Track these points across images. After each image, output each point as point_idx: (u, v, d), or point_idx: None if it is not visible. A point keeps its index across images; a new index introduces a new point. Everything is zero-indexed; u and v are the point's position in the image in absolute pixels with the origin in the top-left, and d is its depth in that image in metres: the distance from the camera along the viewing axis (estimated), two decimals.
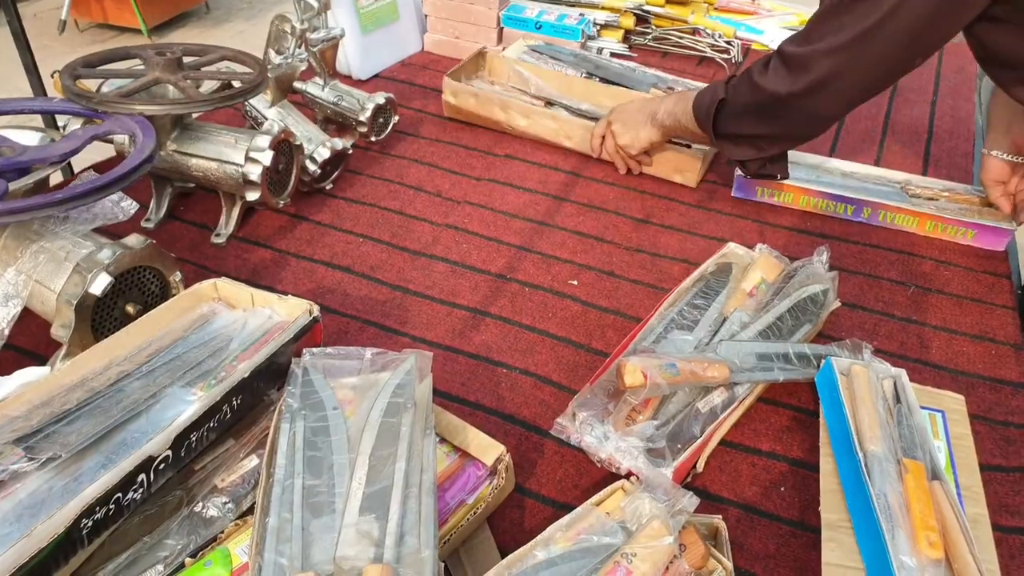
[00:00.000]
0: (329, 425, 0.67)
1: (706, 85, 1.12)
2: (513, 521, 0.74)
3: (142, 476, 0.61)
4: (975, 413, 0.83)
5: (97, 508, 0.58)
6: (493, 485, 0.71)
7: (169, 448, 0.63)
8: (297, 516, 0.60)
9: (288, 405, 0.68)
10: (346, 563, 0.57)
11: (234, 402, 0.70)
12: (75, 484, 0.62)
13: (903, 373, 0.81)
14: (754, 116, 1.03)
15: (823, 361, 0.83)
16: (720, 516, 0.69)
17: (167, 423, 0.66)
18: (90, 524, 0.58)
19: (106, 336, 0.81)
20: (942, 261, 1.11)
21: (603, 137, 1.25)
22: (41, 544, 0.54)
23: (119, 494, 0.60)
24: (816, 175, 1.20)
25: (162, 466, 0.64)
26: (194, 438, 0.66)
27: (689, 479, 0.78)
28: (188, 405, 0.70)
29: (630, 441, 0.74)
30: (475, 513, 0.69)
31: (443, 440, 0.74)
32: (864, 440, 0.71)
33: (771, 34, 1.80)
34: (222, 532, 0.66)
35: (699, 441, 0.77)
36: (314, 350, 0.74)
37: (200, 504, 0.68)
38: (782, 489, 0.78)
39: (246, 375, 0.70)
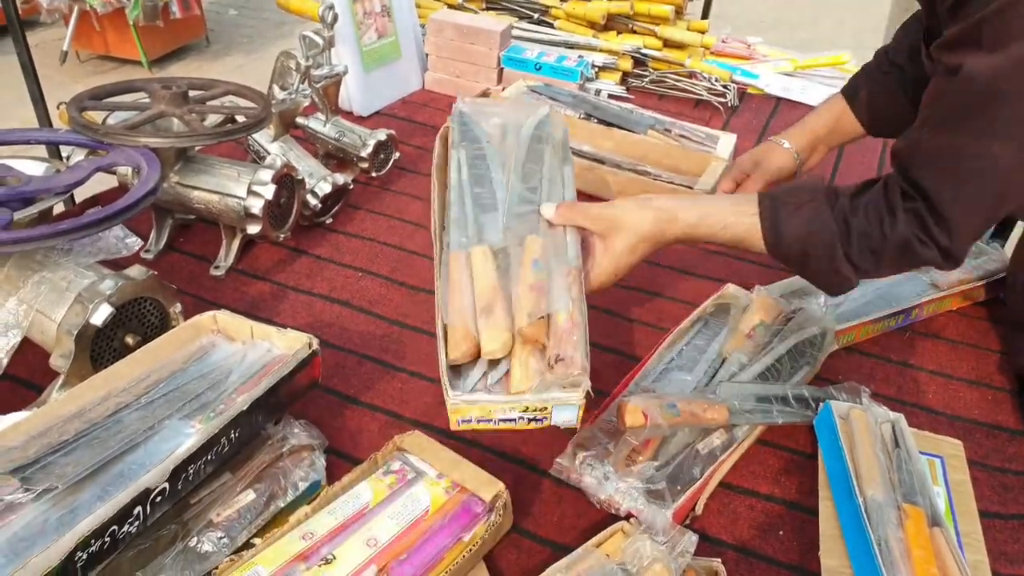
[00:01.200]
0: (485, 152, 0.86)
1: (776, 227, 0.80)
2: (510, 561, 0.73)
3: (138, 509, 0.61)
4: (973, 459, 0.83)
5: (92, 541, 0.57)
6: (490, 522, 0.70)
7: (166, 481, 0.63)
8: (470, 210, 0.80)
9: (453, 140, 0.89)
10: (511, 234, 0.78)
11: (232, 435, 0.70)
12: (71, 516, 0.61)
13: (901, 418, 0.81)
14: (894, 268, 0.82)
15: (821, 404, 0.84)
16: (719, 559, 0.68)
17: (165, 455, 0.66)
18: (85, 557, 0.57)
19: (104, 367, 0.80)
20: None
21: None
22: None
23: (115, 526, 0.59)
24: None
25: (159, 499, 0.63)
26: (191, 470, 0.66)
27: (688, 521, 0.77)
28: (186, 437, 0.69)
29: (630, 482, 0.74)
30: (471, 551, 0.68)
31: (440, 475, 0.74)
32: (864, 485, 0.71)
33: (766, 79, 1.83)
34: (216, 567, 0.65)
35: (698, 483, 0.77)
36: (467, 98, 0.94)
37: (195, 539, 0.67)
38: (780, 532, 0.78)
39: (245, 408, 0.70)
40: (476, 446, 0.85)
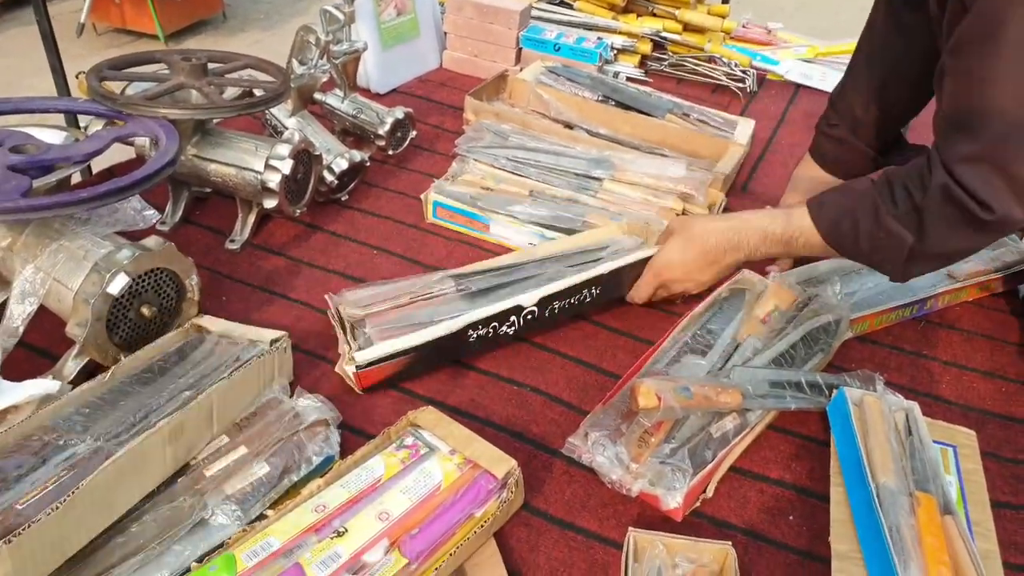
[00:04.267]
0: None
1: (823, 208, 0.88)
2: (520, 539, 0.73)
3: (513, 317, 0.90)
4: (985, 450, 0.83)
5: (480, 327, 0.88)
6: (502, 499, 0.70)
7: (535, 305, 0.90)
8: None
9: None
10: None
11: (592, 290, 0.94)
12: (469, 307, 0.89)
13: (915, 406, 0.81)
14: (969, 239, 0.82)
15: (835, 391, 0.83)
16: (730, 542, 0.68)
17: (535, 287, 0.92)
18: (473, 336, 0.89)
19: (120, 336, 0.81)
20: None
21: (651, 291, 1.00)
22: (439, 334, 0.85)
23: (495, 323, 0.89)
24: None
25: (528, 317, 0.91)
26: (556, 305, 0.92)
27: (698, 504, 0.77)
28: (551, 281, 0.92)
29: (642, 463, 0.74)
30: (482, 527, 0.68)
31: (453, 451, 0.74)
32: (876, 472, 0.71)
33: (786, 65, 1.81)
34: (229, 538, 0.66)
35: (710, 466, 0.77)
36: None
37: (210, 511, 0.68)
38: (790, 517, 0.78)
39: (606, 272, 0.94)
40: (488, 424, 0.85)
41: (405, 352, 0.85)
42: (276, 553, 0.63)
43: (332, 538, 0.64)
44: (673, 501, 0.73)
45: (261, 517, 0.69)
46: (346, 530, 0.65)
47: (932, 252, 0.83)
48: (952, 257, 0.88)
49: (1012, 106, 0.73)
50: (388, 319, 0.89)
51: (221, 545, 0.65)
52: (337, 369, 0.87)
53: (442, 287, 0.93)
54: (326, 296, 0.92)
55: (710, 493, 0.78)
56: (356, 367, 0.83)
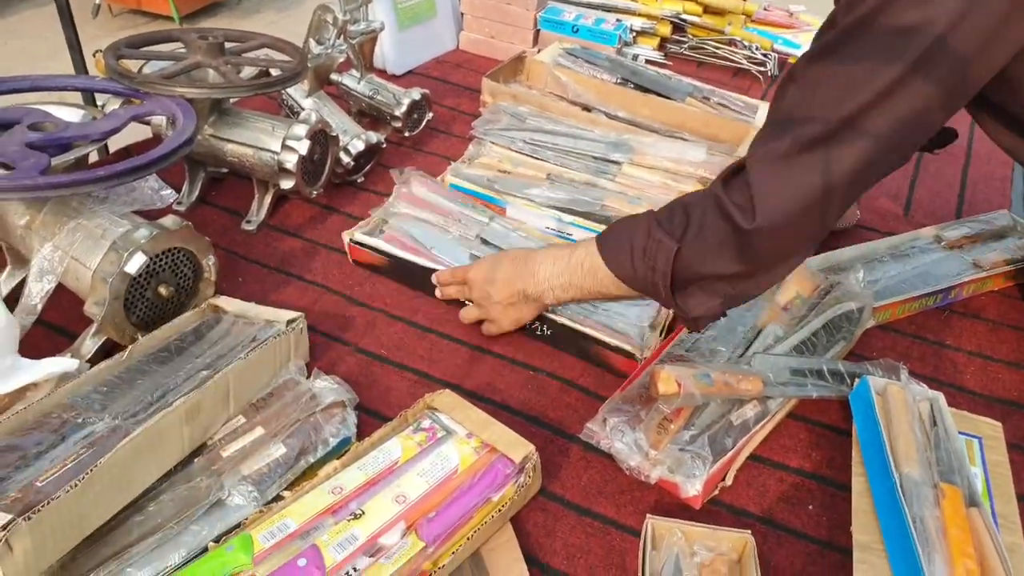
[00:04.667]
0: None
1: (606, 233, 0.82)
2: (537, 524, 0.73)
3: None
4: (1012, 441, 0.81)
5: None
6: (519, 483, 0.70)
7: None
8: None
9: None
10: None
11: None
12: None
13: (940, 396, 0.79)
14: (728, 257, 0.74)
15: (857, 379, 0.82)
16: (749, 531, 0.68)
17: None
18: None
19: (137, 315, 0.81)
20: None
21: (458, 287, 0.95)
22: (413, 260, 0.96)
23: None
24: None
25: None
26: None
27: (716, 492, 0.76)
28: None
29: (660, 450, 0.73)
30: (500, 511, 0.68)
31: (470, 435, 0.73)
32: (900, 462, 0.70)
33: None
34: (246, 519, 0.65)
35: (729, 454, 0.76)
36: None
37: (226, 491, 0.67)
38: (810, 507, 0.77)
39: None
40: (505, 408, 0.84)
41: (384, 254, 0.98)
42: (293, 535, 0.63)
43: (349, 520, 0.64)
44: (692, 489, 0.72)
45: (278, 498, 0.68)
46: (363, 512, 0.65)
47: (694, 268, 0.74)
48: (716, 284, 0.75)
49: (826, 112, 0.68)
50: (407, 223, 1.02)
51: (238, 526, 0.65)
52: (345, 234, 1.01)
53: (468, 232, 1.02)
54: (393, 172, 1.08)
55: (729, 481, 0.77)
56: (351, 240, 0.99)
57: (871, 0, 0.66)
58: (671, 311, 0.91)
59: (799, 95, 0.71)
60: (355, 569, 0.60)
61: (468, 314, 0.93)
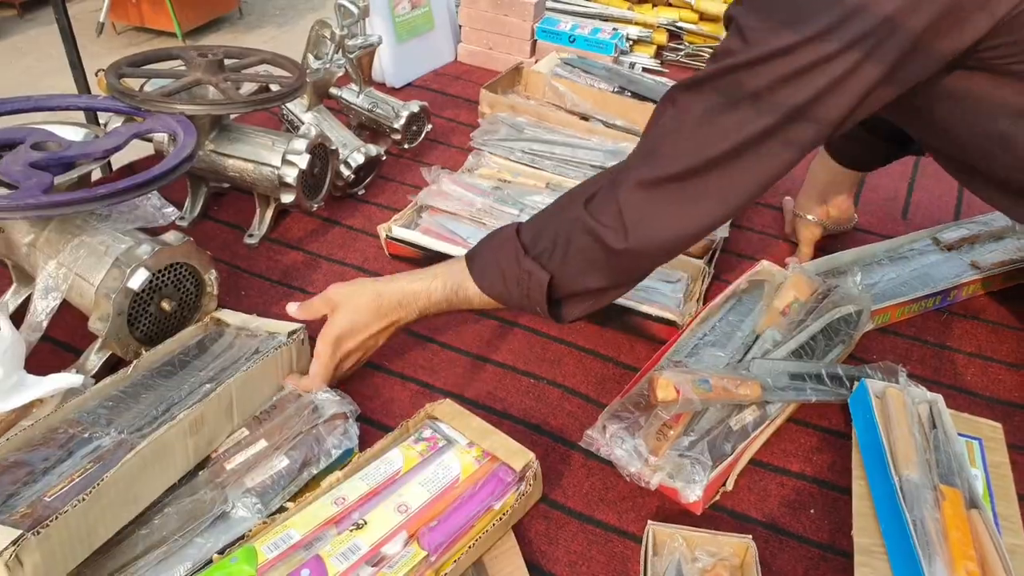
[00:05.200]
0: None
1: (474, 257, 0.83)
2: (539, 531, 0.73)
3: None
4: (1012, 442, 0.82)
5: None
6: (520, 492, 0.70)
7: None
8: None
9: None
10: None
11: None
12: None
13: (939, 398, 0.80)
14: (598, 275, 0.78)
15: (856, 383, 0.82)
16: (750, 536, 0.68)
17: None
18: None
19: (140, 331, 0.82)
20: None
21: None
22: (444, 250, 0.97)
23: None
24: None
25: None
26: None
27: (717, 497, 0.77)
28: None
29: (660, 456, 0.74)
30: (501, 519, 0.68)
31: (471, 444, 0.74)
32: (899, 465, 0.70)
33: None
34: (250, 531, 0.66)
35: (729, 459, 0.76)
36: None
37: (231, 504, 0.68)
38: (811, 511, 0.77)
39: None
40: (506, 417, 0.85)
41: (420, 247, 1.02)
42: (296, 545, 0.63)
43: (352, 530, 0.64)
44: (692, 494, 0.72)
45: (281, 510, 0.69)
46: (365, 522, 0.65)
47: (566, 288, 0.79)
48: (587, 296, 0.80)
49: (699, 149, 0.71)
50: (441, 217, 1.07)
51: (242, 538, 0.66)
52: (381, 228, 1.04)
53: (500, 223, 1.00)
54: (423, 170, 1.13)
55: (730, 486, 0.77)
56: (387, 235, 1.03)
57: (755, 48, 0.67)
58: (702, 282, 1.01)
59: (674, 124, 0.73)
60: None
61: (319, 374, 0.82)
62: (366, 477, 0.70)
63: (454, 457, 0.72)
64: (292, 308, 0.86)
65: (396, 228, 1.03)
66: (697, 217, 0.74)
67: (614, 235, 0.74)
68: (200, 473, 0.71)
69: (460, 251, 0.98)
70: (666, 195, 0.73)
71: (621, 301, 0.91)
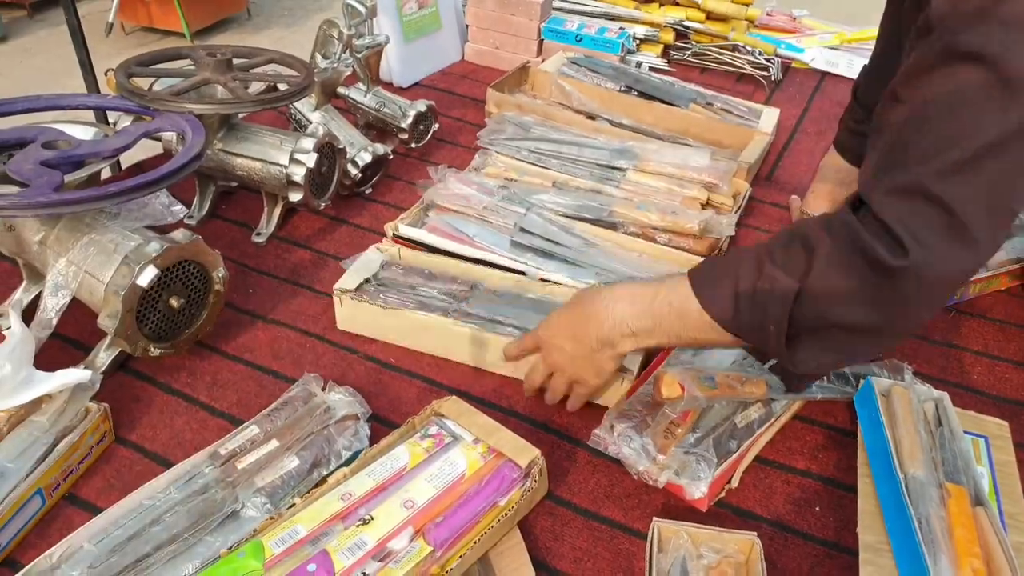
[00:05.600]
0: None
1: (703, 267, 0.72)
2: (544, 528, 0.74)
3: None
4: (1019, 440, 0.82)
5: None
6: (526, 488, 0.71)
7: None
8: None
9: None
10: None
11: None
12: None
13: (945, 396, 0.80)
14: (862, 303, 0.62)
15: (862, 380, 0.82)
16: (755, 533, 0.68)
17: None
18: None
19: (149, 327, 0.82)
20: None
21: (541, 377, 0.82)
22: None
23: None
24: None
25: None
26: None
27: (723, 494, 0.77)
28: None
29: (668, 454, 0.74)
30: (506, 515, 0.69)
31: (477, 440, 0.74)
32: (905, 462, 0.70)
33: (812, 53, 1.79)
34: (256, 527, 0.66)
35: (734, 456, 0.76)
36: None
37: (241, 503, 0.69)
38: (817, 508, 0.77)
39: None
40: (512, 414, 0.85)
41: (426, 245, 1.02)
42: (303, 540, 0.64)
43: (358, 526, 0.65)
44: (698, 491, 0.72)
45: (289, 505, 0.69)
46: (372, 518, 0.65)
47: (817, 314, 0.63)
48: (838, 337, 0.65)
49: (960, 139, 0.57)
50: (447, 216, 1.07)
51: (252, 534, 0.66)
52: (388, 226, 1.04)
53: (506, 222, 1.05)
54: (430, 169, 1.13)
55: (735, 483, 0.77)
56: (394, 234, 1.02)
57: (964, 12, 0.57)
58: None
59: (908, 122, 0.61)
60: (364, 574, 0.61)
61: (555, 390, 0.81)
62: (372, 473, 0.70)
63: (460, 453, 0.72)
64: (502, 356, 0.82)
65: (403, 227, 1.03)
66: (968, 229, 0.58)
67: (887, 249, 0.58)
68: (210, 471, 0.72)
69: (467, 249, 0.98)
70: (922, 203, 0.58)
71: None
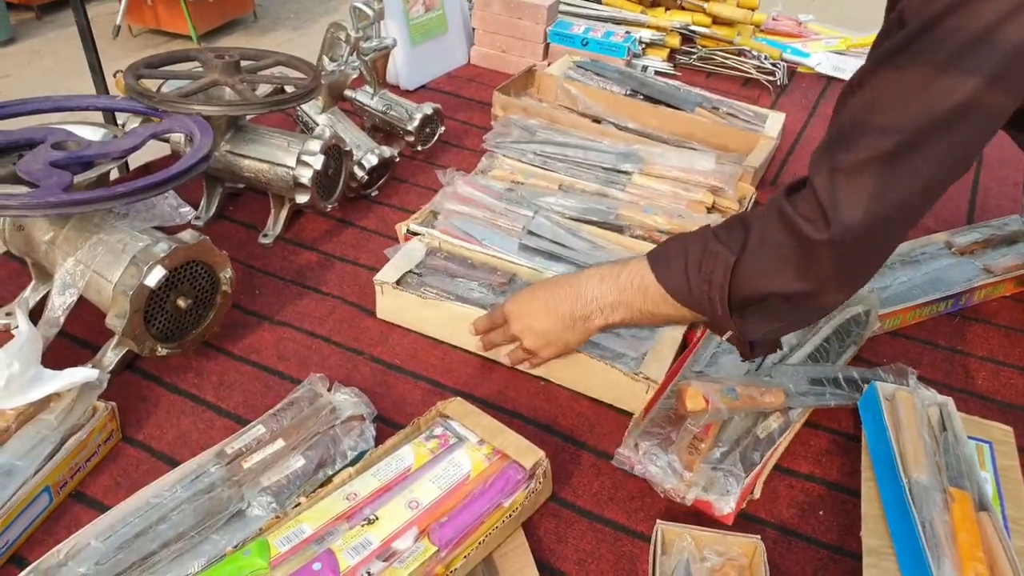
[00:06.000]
0: None
1: (658, 248, 0.78)
2: (548, 529, 0.74)
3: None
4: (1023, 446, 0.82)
5: None
6: (530, 489, 0.71)
7: None
8: None
9: None
10: None
11: None
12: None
13: (950, 401, 0.80)
14: (792, 273, 0.68)
15: (867, 386, 0.82)
16: (759, 536, 0.68)
17: None
18: None
19: (157, 327, 0.83)
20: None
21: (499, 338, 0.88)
22: None
23: None
24: None
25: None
26: None
27: (744, 506, 0.76)
28: None
29: (696, 470, 0.73)
30: (510, 516, 0.69)
31: (482, 442, 0.74)
32: (908, 467, 0.70)
33: (817, 57, 1.79)
34: (262, 526, 0.67)
35: (757, 468, 0.76)
36: None
37: (247, 503, 0.69)
38: (820, 512, 0.77)
39: None
40: (517, 416, 0.85)
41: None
42: (308, 539, 0.64)
43: (363, 525, 0.65)
44: (727, 507, 0.72)
45: (294, 504, 0.70)
46: (377, 518, 0.66)
47: (754, 283, 0.69)
48: (777, 305, 0.71)
49: (898, 122, 0.62)
50: (458, 217, 1.07)
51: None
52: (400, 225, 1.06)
53: (515, 225, 1.06)
54: (438, 172, 1.13)
55: (757, 494, 0.77)
56: (407, 230, 1.04)
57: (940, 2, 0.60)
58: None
59: (865, 102, 0.65)
60: (369, 573, 0.61)
61: (516, 355, 0.87)
62: (377, 473, 0.70)
63: (464, 455, 0.73)
64: (470, 328, 0.87)
65: (413, 226, 1.04)
66: (909, 198, 0.64)
67: (812, 226, 0.65)
68: (216, 470, 0.72)
69: (476, 250, 0.99)
70: (871, 178, 0.63)
71: None
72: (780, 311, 0.72)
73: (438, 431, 0.75)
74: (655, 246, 0.79)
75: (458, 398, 0.80)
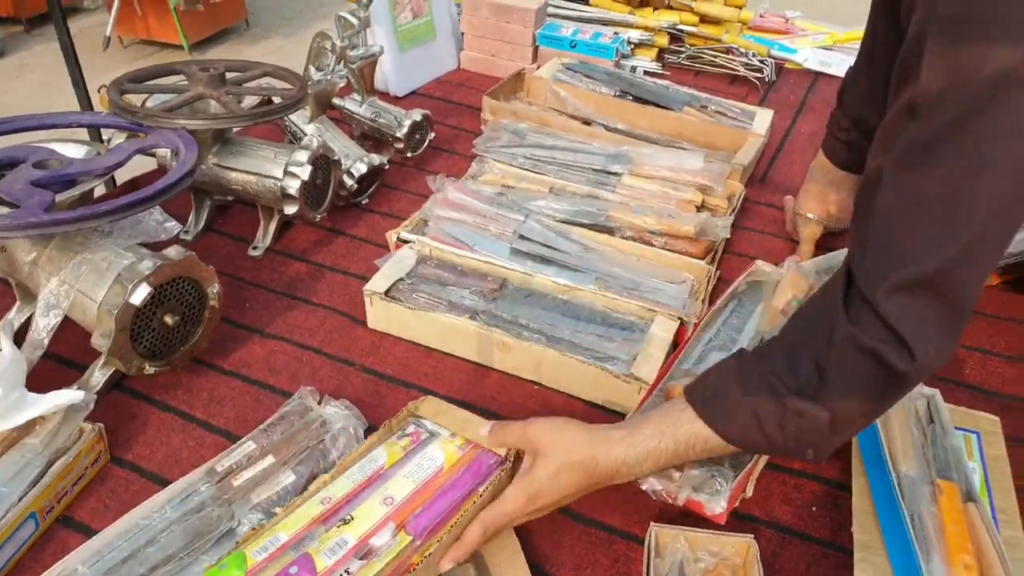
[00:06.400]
0: None
1: (711, 404, 0.69)
2: (543, 535, 0.74)
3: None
4: (1011, 435, 0.82)
5: None
6: (504, 468, 0.72)
7: None
8: None
9: None
10: None
11: None
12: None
13: (937, 393, 0.80)
14: (876, 406, 0.65)
15: None
16: (752, 535, 0.68)
17: None
18: None
19: (143, 346, 0.82)
20: None
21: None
22: None
23: None
24: None
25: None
26: None
27: (737, 505, 0.76)
28: None
29: (686, 471, 0.73)
30: (481, 497, 0.69)
31: (454, 434, 0.75)
32: (897, 461, 0.70)
33: (804, 53, 1.79)
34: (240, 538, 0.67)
35: (748, 467, 0.76)
36: None
37: (237, 521, 0.69)
38: (813, 509, 0.78)
39: None
40: (493, 416, 0.85)
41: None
42: (285, 546, 0.64)
43: (339, 526, 0.65)
44: (718, 506, 0.71)
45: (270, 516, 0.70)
46: (352, 518, 0.66)
47: (850, 427, 0.67)
48: (854, 431, 0.71)
49: (969, 227, 0.58)
50: (448, 224, 1.07)
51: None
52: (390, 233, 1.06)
53: (505, 230, 1.06)
54: (428, 179, 1.13)
55: (749, 493, 0.76)
56: (397, 238, 1.04)
57: (960, 100, 0.57)
58: (708, 281, 0.99)
59: (904, 212, 0.61)
60: (347, 572, 0.61)
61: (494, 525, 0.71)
62: (351, 476, 0.70)
63: (438, 448, 0.73)
64: (484, 430, 0.74)
65: (404, 234, 1.04)
66: (977, 294, 0.61)
67: (897, 355, 0.60)
68: (206, 488, 0.72)
69: (466, 256, 0.99)
70: (926, 298, 0.60)
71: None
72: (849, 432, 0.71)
73: (410, 429, 0.76)
74: (695, 390, 0.71)
75: (430, 396, 0.80)
